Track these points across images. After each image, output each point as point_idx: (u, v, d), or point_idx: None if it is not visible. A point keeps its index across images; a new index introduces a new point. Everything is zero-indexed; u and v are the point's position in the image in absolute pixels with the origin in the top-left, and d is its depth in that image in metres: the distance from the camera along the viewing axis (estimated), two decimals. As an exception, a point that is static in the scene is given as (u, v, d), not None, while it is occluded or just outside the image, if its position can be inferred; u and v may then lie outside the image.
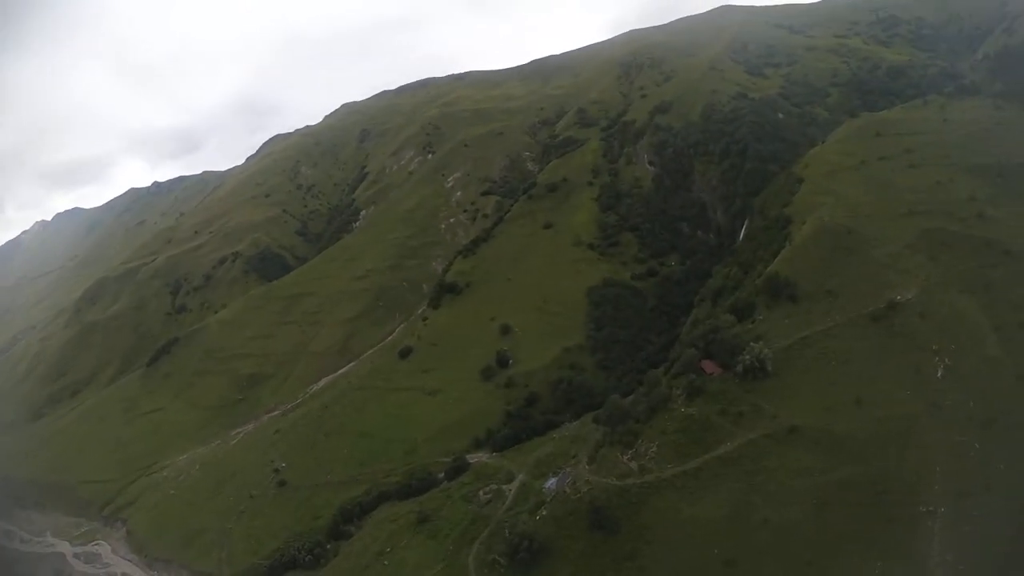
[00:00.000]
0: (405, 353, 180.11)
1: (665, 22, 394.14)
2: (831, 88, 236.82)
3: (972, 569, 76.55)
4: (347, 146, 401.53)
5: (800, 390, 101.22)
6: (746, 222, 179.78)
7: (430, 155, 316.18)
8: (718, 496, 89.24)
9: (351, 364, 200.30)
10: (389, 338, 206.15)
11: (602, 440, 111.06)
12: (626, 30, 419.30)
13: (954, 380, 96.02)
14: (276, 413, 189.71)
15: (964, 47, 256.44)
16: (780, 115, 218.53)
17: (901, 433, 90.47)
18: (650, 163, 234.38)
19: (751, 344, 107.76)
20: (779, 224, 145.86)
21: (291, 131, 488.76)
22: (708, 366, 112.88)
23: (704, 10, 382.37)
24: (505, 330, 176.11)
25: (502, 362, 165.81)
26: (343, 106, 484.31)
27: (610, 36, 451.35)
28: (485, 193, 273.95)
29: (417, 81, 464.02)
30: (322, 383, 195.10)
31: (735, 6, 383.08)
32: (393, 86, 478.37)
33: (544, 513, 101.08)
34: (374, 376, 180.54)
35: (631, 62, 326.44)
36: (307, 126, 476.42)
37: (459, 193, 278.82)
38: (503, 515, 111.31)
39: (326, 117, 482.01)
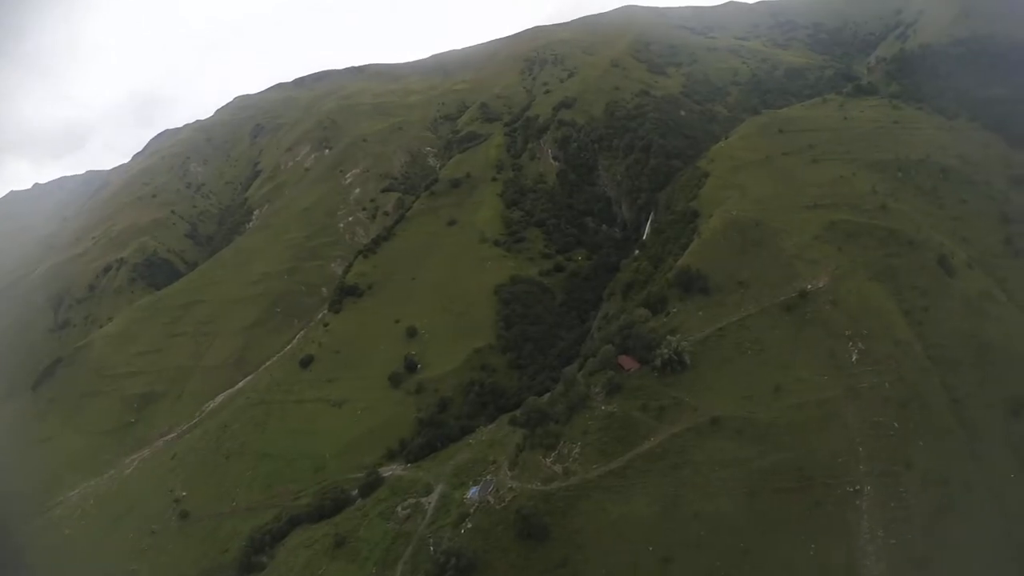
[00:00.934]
0: (306, 362, 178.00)
1: (568, 20, 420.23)
2: (731, 87, 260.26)
3: (901, 543, 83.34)
4: (240, 141, 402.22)
5: (719, 381, 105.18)
6: (651, 216, 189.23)
7: (327, 151, 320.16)
8: (647, 493, 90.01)
9: (249, 377, 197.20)
10: (288, 347, 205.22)
11: (522, 444, 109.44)
12: (529, 27, 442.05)
13: (869, 364, 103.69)
14: (172, 436, 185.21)
15: (858, 51, 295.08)
16: (682, 112, 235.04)
17: (822, 417, 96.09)
18: (554, 158, 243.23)
19: (668, 338, 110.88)
20: (686, 218, 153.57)
21: (181, 126, 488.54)
22: (626, 362, 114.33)
23: (608, 9, 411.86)
24: (411, 333, 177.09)
25: (410, 367, 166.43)
26: (236, 99, 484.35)
27: (513, 32, 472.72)
28: (385, 190, 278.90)
29: (314, 73, 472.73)
30: (219, 399, 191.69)
31: (638, 6, 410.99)
32: (290, 78, 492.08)
33: (469, 526, 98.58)
34: (274, 389, 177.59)
35: (535, 58, 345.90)
36: (197, 120, 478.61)
37: (358, 190, 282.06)
38: (425, 531, 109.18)
39: (218, 111, 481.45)
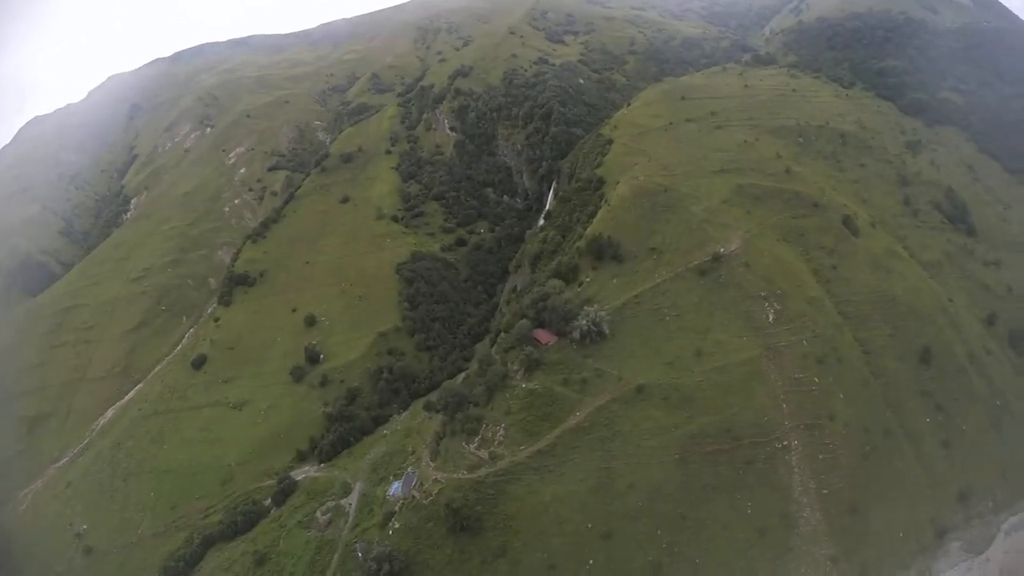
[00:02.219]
0: (199, 363, 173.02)
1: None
2: (629, 56, 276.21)
3: (832, 492, 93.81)
4: (115, 124, 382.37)
5: (639, 349, 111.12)
6: (554, 185, 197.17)
7: (208, 129, 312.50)
8: (578, 470, 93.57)
9: (139, 386, 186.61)
10: (178, 348, 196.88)
11: (442, 431, 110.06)
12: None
13: (785, 323, 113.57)
14: (64, 462, 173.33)
15: (752, 23, 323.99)
16: (581, 80, 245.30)
17: (744, 378, 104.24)
18: (451, 129, 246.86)
19: (585, 308, 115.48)
20: (593, 185, 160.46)
21: (51, 111, 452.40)
22: (542, 336, 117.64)
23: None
24: (310, 321, 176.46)
25: (312, 358, 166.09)
26: (110, 79, 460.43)
27: (404, 1, 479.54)
28: (273, 168, 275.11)
29: (193, 47, 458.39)
30: (109, 415, 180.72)
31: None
32: (168, 53, 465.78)
33: (396, 525, 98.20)
34: (167, 397, 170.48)
35: (428, 26, 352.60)
36: (68, 104, 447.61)
37: (243, 170, 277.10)
38: (350, 535, 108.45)
39: (91, 92, 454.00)
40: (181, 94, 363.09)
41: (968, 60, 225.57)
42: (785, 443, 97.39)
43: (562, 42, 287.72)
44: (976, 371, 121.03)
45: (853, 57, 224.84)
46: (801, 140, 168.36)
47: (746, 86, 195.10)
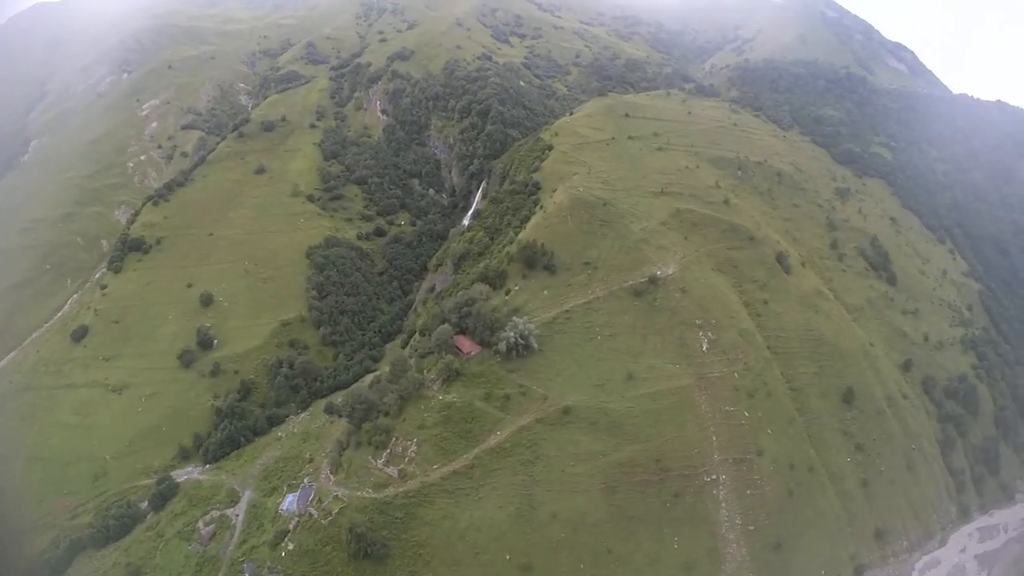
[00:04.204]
0: (79, 335, 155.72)
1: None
2: (573, 67, 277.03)
3: (758, 528, 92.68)
4: (31, 57, 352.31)
5: (568, 368, 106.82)
6: (483, 184, 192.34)
7: (126, 75, 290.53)
8: (498, 495, 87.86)
9: (11, 354, 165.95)
10: (59, 314, 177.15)
11: (345, 440, 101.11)
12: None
13: (718, 353, 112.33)
14: None
15: (695, 56, 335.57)
16: (522, 83, 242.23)
17: (676, 407, 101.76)
18: (383, 111, 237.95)
19: (513, 319, 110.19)
20: (528, 189, 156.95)
21: None
22: (464, 344, 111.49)
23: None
24: (206, 300, 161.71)
25: (205, 343, 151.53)
26: (34, 6, 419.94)
27: None
28: (187, 127, 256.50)
29: None
30: None
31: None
32: None
33: (290, 547, 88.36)
34: (41, 370, 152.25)
35: (373, 4, 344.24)
36: None
37: (155, 124, 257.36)
38: (236, 553, 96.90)
39: (12, 19, 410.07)
40: (106, 35, 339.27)
41: (900, 120, 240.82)
42: (714, 477, 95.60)
43: (508, 43, 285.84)
44: (893, 414, 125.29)
45: (794, 101, 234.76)
46: (740, 173, 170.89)
47: (689, 113, 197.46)
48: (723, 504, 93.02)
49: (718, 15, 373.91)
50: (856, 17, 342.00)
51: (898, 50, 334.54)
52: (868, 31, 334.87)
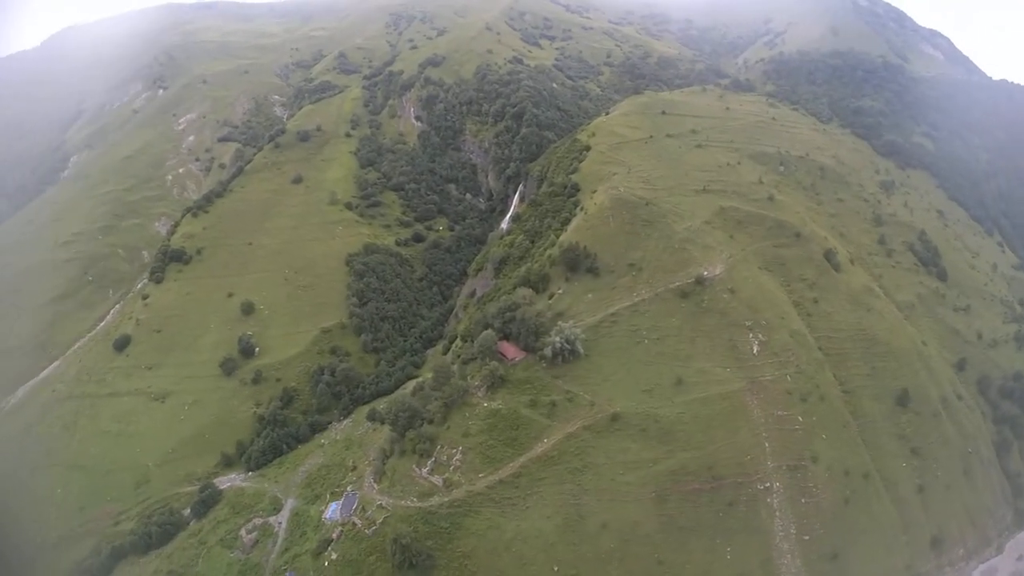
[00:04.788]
0: (122, 344, 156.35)
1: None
2: (604, 67, 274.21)
3: (813, 538, 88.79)
4: (67, 77, 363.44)
5: (615, 373, 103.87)
6: (520, 187, 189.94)
7: (161, 91, 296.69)
8: (545, 504, 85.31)
9: (55, 363, 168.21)
10: (101, 324, 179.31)
11: (389, 448, 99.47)
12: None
13: (769, 355, 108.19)
14: None
15: (726, 51, 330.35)
16: (555, 85, 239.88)
17: (728, 412, 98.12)
18: (417, 118, 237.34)
19: (560, 324, 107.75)
20: (567, 191, 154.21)
21: (3, 57, 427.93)
22: (509, 350, 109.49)
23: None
24: (247, 309, 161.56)
25: (246, 351, 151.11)
26: (67, 29, 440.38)
27: None
28: (224, 139, 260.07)
29: (159, 7, 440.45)
30: (20, 393, 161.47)
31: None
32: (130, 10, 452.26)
33: (333, 556, 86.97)
34: (84, 379, 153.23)
35: (402, 13, 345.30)
36: (22, 51, 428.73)
37: (192, 138, 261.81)
38: (279, 561, 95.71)
39: (44, 42, 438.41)
40: (140, 52, 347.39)
41: (940, 109, 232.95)
42: (767, 485, 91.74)
43: (538, 45, 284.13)
44: (949, 416, 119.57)
45: (832, 93, 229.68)
46: (782, 168, 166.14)
47: (727, 108, 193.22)
48: (777, 513, 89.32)
49: (747, 9, 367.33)
50: (888, 5, 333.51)
51: (932, 37, 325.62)
52: (901, 18, 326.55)
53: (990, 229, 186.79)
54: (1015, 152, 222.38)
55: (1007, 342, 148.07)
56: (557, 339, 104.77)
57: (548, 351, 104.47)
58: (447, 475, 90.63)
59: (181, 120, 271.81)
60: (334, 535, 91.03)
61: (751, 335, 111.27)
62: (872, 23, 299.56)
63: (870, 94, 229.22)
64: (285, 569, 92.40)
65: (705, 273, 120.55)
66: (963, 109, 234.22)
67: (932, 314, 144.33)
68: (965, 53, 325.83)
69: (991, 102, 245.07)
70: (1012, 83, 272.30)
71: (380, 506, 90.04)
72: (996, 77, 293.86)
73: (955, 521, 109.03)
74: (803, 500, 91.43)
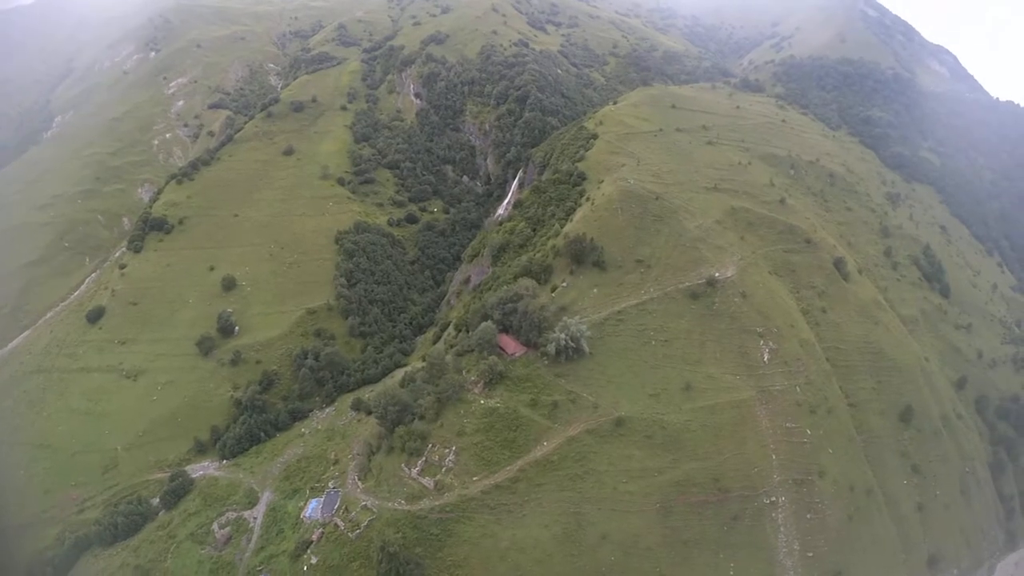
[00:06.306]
0: (95, 316, 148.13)
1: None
2: (610, 57, 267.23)
3: (817, 555, 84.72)
4: (59, 34, 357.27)
5: (620, 374, 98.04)
6: (520, 173, 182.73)
7: (153, 53, 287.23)
8: (543, 512, 79.71)
9: (25, 333, 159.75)
10: (75, 293, 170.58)
11: (376, 444, 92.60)
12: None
13: (779, 364, 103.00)
14: None
15: (731, 51, 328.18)
16: (560, 71, 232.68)
17: (736, 422, 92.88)
18: (416, 95, 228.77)
19: (565, 320, 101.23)
20: (572, 179, 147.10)
21: None
22: (509, 344, 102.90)
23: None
24: (229, 284, 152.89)
25: (225, 329, 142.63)
26: None
27: None
28: (214, 106, 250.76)
29: None
30: None
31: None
32: None
33: (313, 560, 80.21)
34: (54, 352, 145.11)
35: None
36: (16, 7, 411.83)
37: (181, 103, 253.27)
38: (254, 560, 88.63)
39: None
40: (136, 12, 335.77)
41: (947, 125, 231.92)
42: (773, 499, 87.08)
43: (543, 30, 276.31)
44: (949, 435, 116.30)
45: (841, 100, 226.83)
46: (793, 172, 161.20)
47: (737, 107, 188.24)
48: (781, 528, 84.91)
49: (755, 11, 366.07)
50: (897, 17, 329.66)
51: (939, 52, 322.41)
52: (908, 32, 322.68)
53: (991, 249, 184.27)
54: (1018, 175, 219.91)
55: (1005, 363, 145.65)
56: (562, 336, 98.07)
57: (551, 348, 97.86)
58: (439, 477, 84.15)
59: (172, 84, 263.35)
60: (314, 536, 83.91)
61: (762, 342, 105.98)
62: (880, 34, 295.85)
63: (880, 105, 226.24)
64: (260, 570, 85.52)
65: (717, 275, 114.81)
66: (969, 127, 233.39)
67: (935, 330, 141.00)
68: (969, 71, 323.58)
69: (996, 123, 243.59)
70: (1017, 105, 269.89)
71: (365, 507, 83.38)
72: (998, 97, 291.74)
73: (951, 541, 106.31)
74: (808, 516, 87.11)
